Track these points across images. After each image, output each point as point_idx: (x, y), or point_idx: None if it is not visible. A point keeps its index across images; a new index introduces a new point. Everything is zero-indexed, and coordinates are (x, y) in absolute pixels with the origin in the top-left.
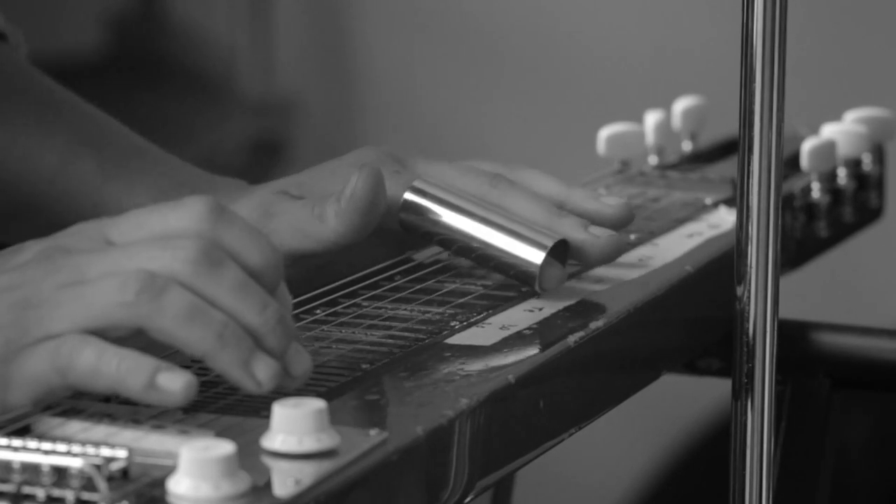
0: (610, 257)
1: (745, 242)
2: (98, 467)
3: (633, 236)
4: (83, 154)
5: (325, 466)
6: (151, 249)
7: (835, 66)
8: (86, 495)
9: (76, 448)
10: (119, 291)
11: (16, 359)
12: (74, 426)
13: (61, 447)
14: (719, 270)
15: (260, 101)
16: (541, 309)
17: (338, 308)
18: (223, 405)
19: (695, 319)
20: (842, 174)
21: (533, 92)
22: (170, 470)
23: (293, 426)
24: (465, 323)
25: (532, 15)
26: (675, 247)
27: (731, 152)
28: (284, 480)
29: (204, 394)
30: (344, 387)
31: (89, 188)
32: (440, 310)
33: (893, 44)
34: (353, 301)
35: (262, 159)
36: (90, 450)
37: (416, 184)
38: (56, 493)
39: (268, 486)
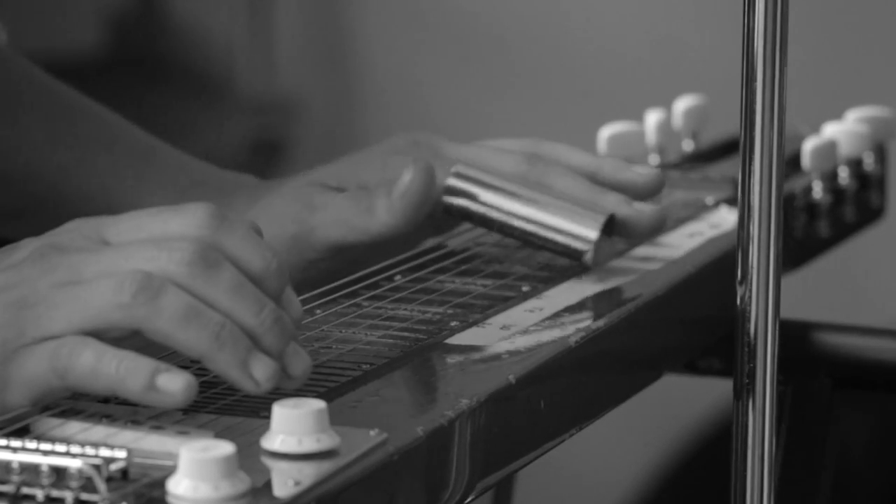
0: (655, 231)
1: (746, 242)
2: (97, 468)
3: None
4: (95, 152)
5: (325, 467)
6: (147, 250)
7: (836, 65)
8: (85, 496)
9: (75, 448)
10: (116, 293)
11: (14, 359)
12: (74, 427)
13: (60, 448)
14: (720, 270)
15: (260, 101)
16: (541, 309)
17: (338, 308)
18: (223, 406)
19: (696, 319)
20: (843, 174)
21: (533, 91)
22: (169, 470)
23: (293, 426)
24: (465, 323)
25: (533, 14)
26: (676, 246)
27: (733, 152)
28: (284, 481)
29: (203, 394)
30: (344, 387)
31: (103, 187)
32: (440, 310)
33: (895, 42)
34: (353, 301)
35: (261, 159)
36: (89, 450)
37: (459, 168)
38: (55, 493)
39: (267, 486)
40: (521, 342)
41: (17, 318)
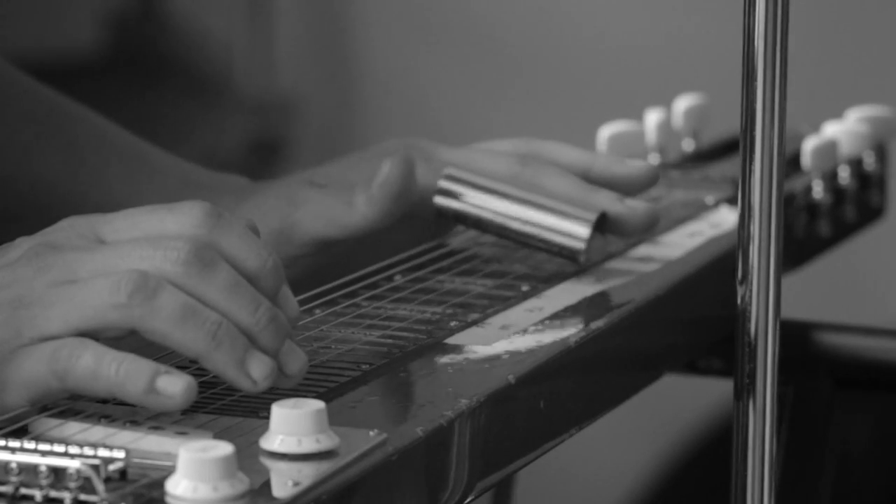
0: (648, 227)
1: (746, 242)
2: (96, 468)
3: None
4: (84, 154)
5: (325, 467)
6: (143, 249)
7: (836, 64)
8: (84, 496)
9: (74, 449)
10: (112, 293)
11: (12, 360)
12: (72, 427)
13: (59, 448)
14: (721, 270)
15: (259, 101)
16: (541, 308)
17: (337, 308)
18: (222, 406)
19: (696, 319)
20: (844, 173)
21: (533, 90)
22: (168, 471)
23: (292, 427)
24: (464, 323)
25: (533, 13)
26: (676, 246)
27: (733, 151)
28: (283, 482)
29: (202, 394)
30: (343, 387)
31: (93, 188)
32: (439, 309)
33: (895, 41)
34: (352, 301)
35: (261, 159)
36: (88, 451)
37: (450, 170)
38: (54, 494)
39: (266, 487)
40: (521, 342)
41: (13, 317)
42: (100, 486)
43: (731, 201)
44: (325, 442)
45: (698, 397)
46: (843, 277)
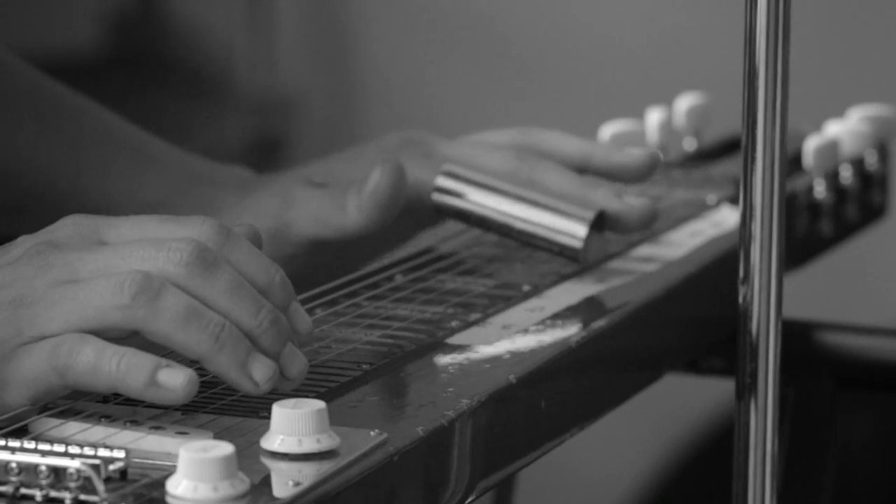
0: (646, 224)
1: (748, 241)
2: (96, 468)
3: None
4: (88, 146)
5: (325, 467)
6: (145, 250)
7: (838, 64)
8: (84, 496)
9: (74, 449)
10: (115, 293)
11: (13, 358)
12: (72, 427)
13: (59, 448)
14: (722, 269)
15: (259, 100)
16: (542, 308)
17: (338, 308)
18: (222, 406)
19: (698, 319)
20: (846, 173)
21: (534, 89)
22: (168, 471)
23: (292, 427)
24: (465, 322)
25: (534, 12)
26: (677, 246)
27: (734, 150)
28: (284, 481)
29: (202, 394)
30: (344, 387)
31: (97, 180)
32: (440, 309)
33: None
34: (352, 301)
35: (261, 158)
36: (88, 451)
37: (448, 168)
38: (54, 494)
39: (267, 487)
40: (522, 342)
41: (14, 316)
42: (100, 486)
43: (733, 200)
44: (326, 442)
45: (700, 397)
46: (844, 277)
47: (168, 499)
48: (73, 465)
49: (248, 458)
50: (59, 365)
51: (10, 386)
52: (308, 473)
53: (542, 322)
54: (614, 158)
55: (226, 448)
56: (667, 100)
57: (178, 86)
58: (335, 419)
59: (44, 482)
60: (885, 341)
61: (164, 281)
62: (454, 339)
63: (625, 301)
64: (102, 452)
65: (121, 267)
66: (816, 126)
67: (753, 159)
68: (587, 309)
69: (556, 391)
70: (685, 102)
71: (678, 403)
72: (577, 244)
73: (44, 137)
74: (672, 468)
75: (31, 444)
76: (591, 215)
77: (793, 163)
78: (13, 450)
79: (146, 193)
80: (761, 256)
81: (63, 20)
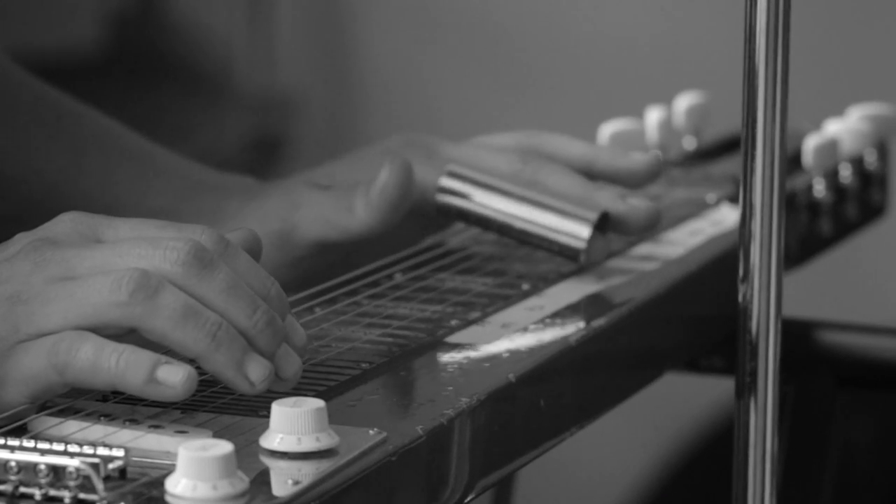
0: (649, 226)
1: (748, 240)
2: (95, 467)
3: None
4: (91, 153)
5: (324, 466)
6: (142, 248)
7: (838, 62)
8: (83, 495)
9: (73, 448)
10: (113, 290)
11: (11, 356)
12: (72, 426)
13: (58, 447)
14: (722, 268)
15: (259, 99)
16: (542, 307)
17: (337, 306)
18: (221, 404)
19: (697, 318)
20: (845, 171)
21: (534, 88)
22: (168, 470)
23: (292, 425)
24: (465, 321)
25: (533, 11)
26: (677, 245)
27: (734, 149)
28: (283, 480)
29: (202, 393)
30: (343, 386)
31: (101, 186)
32: (440, 308)
33: None
34: (352, 299)
35: (261, 157)
36: (87, 449)
37: (451, 168)
38: (53, 492)
39: (266, 485)
40: (522, 341)
41: (10, 313)
42: (99, 485)
43: (733, 199)
44: (325, 440)
45: (700, 396)
46: (844, 276)
47: (167, 497)
48: (72, 463)
49: (248, 456)
50: (58, 362)
51: (9, 383)
52: (307, 472)
53: (542, 321)
54: (618, 162)
55: (225, 447)
56: (666, 99)
57: (177, 85)
58: (334, 418)
59: (43, 481)
60: (885, 340)
61: (161, 279)
62: (454, 338)
63: (624, 300)
64: (102, 451)
65: (118, 264)
66: (816, 125)
67: (753, 158)
68: (587, 308)
69: (556, 390)
70: (685, 101)
71: (678, 402)
72: (581, 245)
73: (47, 145)
74: (672, 467)
75: (30, 443)
76: (594, 216)
77: (792, 162)
78: (12, 448)
79: (150, 200)
80: (761, 255)
81: (63, 20)
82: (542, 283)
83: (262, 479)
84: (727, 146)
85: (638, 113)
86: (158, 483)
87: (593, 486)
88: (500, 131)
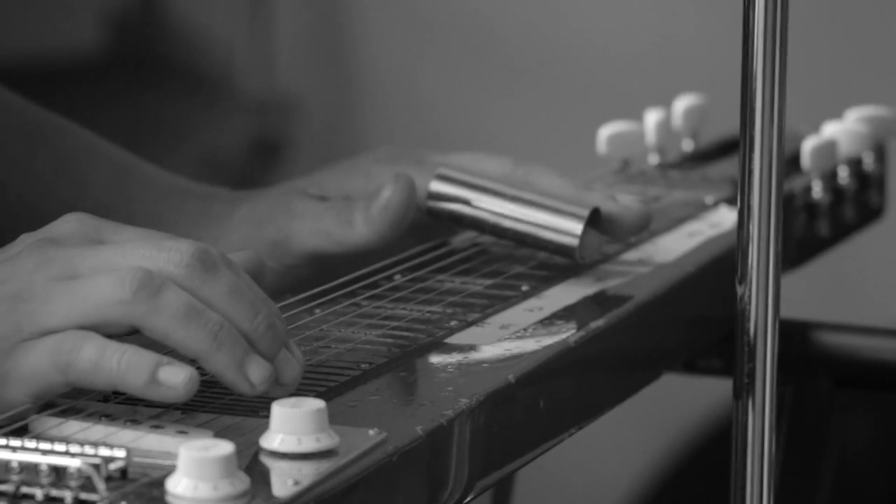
0: (641, 227)
1: (746, 242)
2: (97, 467)
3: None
4: (73, 162)
5: (325, 466)
6: (146, 249)
7: (836, 65)
8: (84, 495)
9: (75, 448)
10: (116, 289)
11: (13, 354)
12: (73, 426)
13: (60, 447)
14: (720, 270)
15: (259, 101)
16: (541, 308)
17: (337, 307)
18: (222, 405)
19: (695, 319)
20: (843, 173)
21: (533, 90)
22: (168, 470)
23: (292, 426)
24: (464, 322)
25: (532, 14)
26: (675, 246)
27: (732, 151)
28: (283, 480)
29: (202, 393)
30: (343, 386)
31: (83, 197)
32: (439, 309)
33: (894, 42)
34: (352, 300)
35: (261, 159)
36: (89, 450)
37: (442, 171)
38: (54, 493)
39: (267, 486)
40: (521, 342)
41: (13, 311)
42: (100, 485)
43: (731, 201)
44: (325, 441)
45: (698, 397)
46: (842, 277)
47: (168, 497)
48: (73, 464)
49: (248, 457)
50: (60, 362)
51: (11, 382)
52: (307, 472)
53: (541, 322)
54: (607, 209)
55: (226, 447)
56: (665, 101)
57: (177, 86)
58: (334, 418)
59: (44, 481)
60: (882, 341)
61: (164, 278)
62: (453, 339)
63: (623, 301)
64: (103, 451)
65: (121, 264)
66: (815, 128)
67: (751, 160)
68: (585, 309)
69: (555, 391)
70: (683, 104)
71: (676, 403)
72: (574, 242)
73: (29, 156)
74: (670, 467)
75: (31, 444)
76: (586, 212)
77: (791, 163)
78: (14, 449)
79: (136, 205)
80: (759, 257)
81: (63, 21)
82: (541, 284)
83: (262, 480)
84: (725, 148)
85: (637, 115)
86: (159, 483)
87: (592, 486)
88: (500, 134)
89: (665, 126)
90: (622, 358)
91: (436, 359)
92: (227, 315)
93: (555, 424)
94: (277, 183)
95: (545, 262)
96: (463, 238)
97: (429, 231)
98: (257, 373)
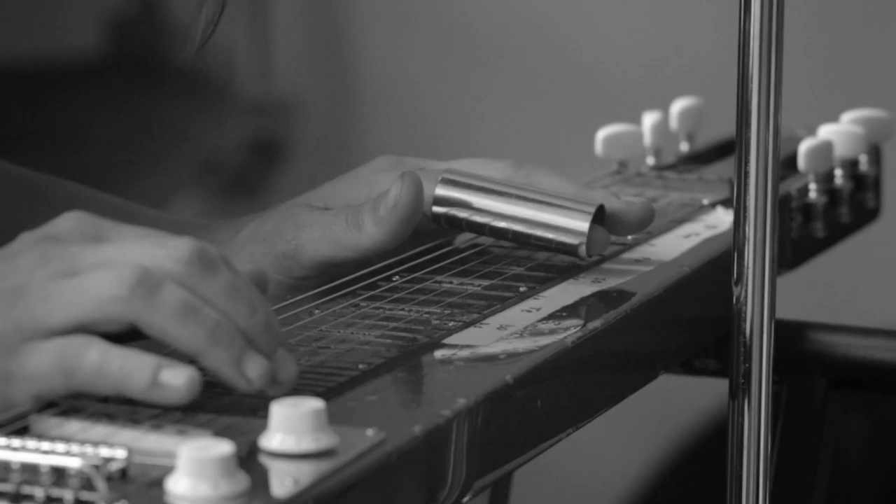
0: (645, 223)
1: (742, 243)
2: (97, 467)
3: (629, 237)
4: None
5: (324, 466)
6: (145, 246)
7: (832, 67)
8: (85, 495)
9: (75, 448)
10: (114, 285)
11: (17, 355)
12: (73, 426)
13: (60, 447)
14: (716, 271)
15: (258, 102)
16: (538, 309)
17: (336, 308)
18: (221, 405)
19: (692, 320)
20: (839, 175)
21: (531, 93)
22: (168, 470)
23: (291, 426)
24: (462, 323)
25: (531, 16)
26: (672, 247)
27: (728, 153)
28: (283, 480)
29: (202, 393)
30: (342, 387)
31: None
32: (438, 310)
33: (890, 45)
34: (351, 301)
35: (260, 160)
36: (89, 450)
37: (447, 175)
38: (55, 493)
39: (266, 485)
40: (519, 342)
41: (13, 309)
42: (101, 485)
43: (727, 203)
44: (324, 441)
45: (694, 397)
46: (837, 278)
47: (168, 497)
48: (74, 464)
49: (248, 456)
50: (65, 366)
51: (15, 381)
52: (306, 472)
53: (539, 322)
54: (611, 205)
55: (226, 446)
56: (662, 104)
57: (176, 88)
58: (333, 418)
59: (45, 481)
60: (877, 342)
61: (162, 275)
62: (451, 340)
63: (620, 302)
64: (103, 451)
65: (120, 261)
66: (811, 131)
67: (747, 162)
68: (583, 309)
69: (552, 391)
70: (680, 106)
71: (673, 403)
72: (580, 240)
73: (25, 215)
74: (666, 468)
75: (32, 444)
76: (591, 209)
77: (786, 165)
78: (15, 449)
79: None
80: (755, 258)
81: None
82: (539, 285)
83: (261, 479)
84: (722, 150)
85: (634, 118)
86: (159, 483)
87: (589, 485)
88: (499, 136)
89: (662, 128)
90: (619, 358)
91: (434, 359)
92: (225, 312)
93: (552, 424)
94: (276, 184)
95: (543, 262)
96: (462, 239)
97: (431, 237)
98: (254, 369)
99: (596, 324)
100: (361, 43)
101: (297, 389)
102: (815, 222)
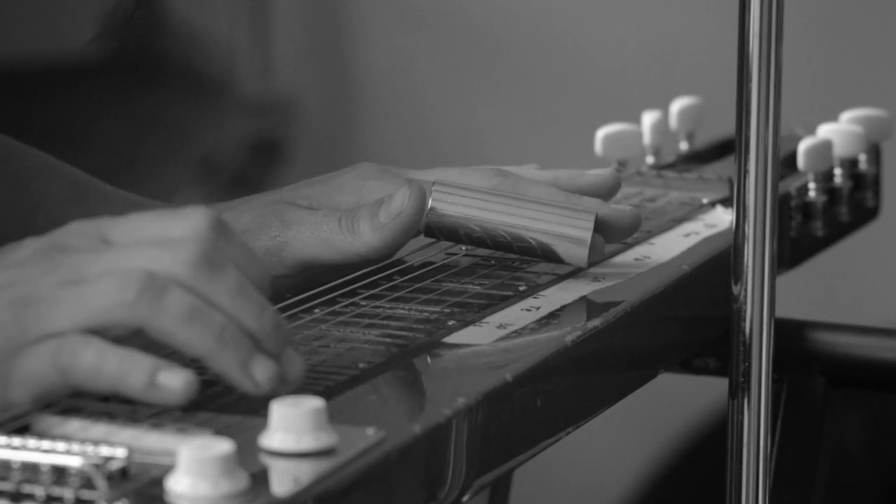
0: (633, 229)
1: (741, 242)
2: (97, 466)
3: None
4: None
5: (324, 465)
6: (151, 250)
7: (831, 67)
8: (85, 494)
9: (75, 447)
10: (120, 291)
11: (16, 357)
12: (73, 425)
13: (60, 446)
14: (716, 270)
15: (258, 101)
16: (538, 308)
17: (336, 307)
18: (222, 404)
19: (692, 318)
20: (838, 174)
21: (531, 92)
22: (169, 468)
23: (291, 425)
24: (462, 322)
25: (530, 16)
26: (672, 246)
27: (728, 152)
28: (283, 479)
29: (202, 392)
30: (342, 385)
31: (40, 211)
32: (438, 309)
33: (890, 44)
34: (351, 300)
35: (260, 159)
36: (89, 449)
37: (438, 188)
38: (55, 491)
39: (266, 484)
40: (518, 341)
41: (20, 316)
42: (101, 484)
43: (727, 202)
44: (324, 440)
45: (694, 396)
46: (836, 277)
47: (168, 496)
48: (74, 463)
49: (248, 455)
50: (61, 365)
51: (13, 385)
52: (306, 471)
53: (538, 321)
54: (580, 181)
55: (226, 445)
56: (662, 103)
57: (176, 87)
58: (334, 417)
59: (45, 480)
60: (877, 341)
61: (168, 279)
62: (451, 339)
63: (620, 301)
64: (103, 450)
65: (127, 266)
66: (810, 130)
67: (747, 161)
68: (582, 308)
69: (552, 390)
70: (679, 105)
71: (673, 402)
72: (583, 250)
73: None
74: (666, 466)
75: (32, 443)
76: (592, 218)
77: (786, 164)
78: (15, 448)
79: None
80: (754, 257)
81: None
82: (539, 284)
83: (261, 478)
84: (721, 149)
85: (634, 117)
86: (159, 482)
87: (589, 484)
88: (499, 136)
89: (662, 127)
90: (619, 357)
91: (434, 358)
92: (233, 313)
93: (552, 423)
94: (277, 183)
95: (542, 262)
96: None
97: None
98: (262, 372)
99: (596, 322)
100: (361, 43)
101: (297, 388)
102: (814, 221)
